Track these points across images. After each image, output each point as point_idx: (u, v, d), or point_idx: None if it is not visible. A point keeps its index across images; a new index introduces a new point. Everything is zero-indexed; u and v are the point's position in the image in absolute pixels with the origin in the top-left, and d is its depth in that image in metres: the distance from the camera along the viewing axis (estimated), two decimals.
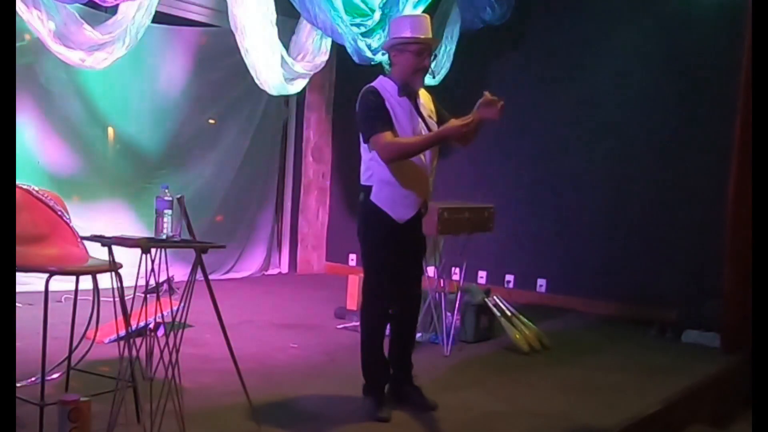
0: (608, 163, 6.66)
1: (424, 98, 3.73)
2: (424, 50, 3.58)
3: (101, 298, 3.47)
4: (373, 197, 3.58)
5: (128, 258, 3.16)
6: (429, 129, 3.62)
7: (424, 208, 3.72)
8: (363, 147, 3.64)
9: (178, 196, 3.19)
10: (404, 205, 3.59)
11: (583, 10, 6.77)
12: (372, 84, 3.66)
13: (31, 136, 6.05)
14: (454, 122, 3.47)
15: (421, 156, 3.59)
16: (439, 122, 3.67)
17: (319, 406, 3.72)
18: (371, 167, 3.59)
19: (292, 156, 8.23)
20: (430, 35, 3.63)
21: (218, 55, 7.05)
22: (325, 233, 8.43)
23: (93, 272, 3.29)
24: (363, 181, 3.65)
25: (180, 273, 5.72)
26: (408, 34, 3.56)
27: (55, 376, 3.54)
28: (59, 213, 3.38)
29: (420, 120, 3.62)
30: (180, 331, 3.05)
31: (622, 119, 6.58)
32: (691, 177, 6.20)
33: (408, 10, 6.03)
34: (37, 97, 6.07)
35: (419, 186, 3.61)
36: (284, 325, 5.52)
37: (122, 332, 3.36)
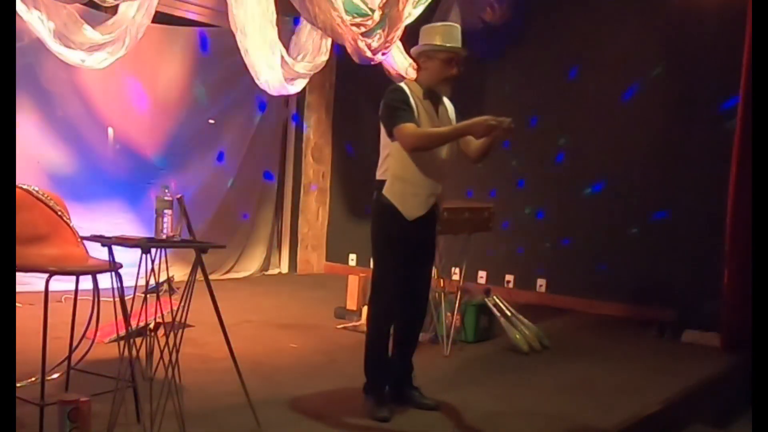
0: (608, 163, 6.65)
1: (448, 107, 3.79)
2: (453, 59, 3.63)
3: (101, 298, 3.47)
4: (385, 191, 3.62)
5: (128, 258, 3.16)
6: None
7: (437, 210, 3.75)
8: (382, 143, 3.67)
9: (178, 196, 3.20)
10: (414, 203, 3.61)
11: (583, 10, 6.77)
12: (398, 83, 3.75)
13: (31, 136, 6.05)
14: (482, 117, 3.47)
15: (436, 155, 3.61)
16: None
17: (319, 406, 3.72)
18: (387, 162, 3.64)
19: (292, 156, 8.23)
20: (459, 45, 3.67)
21: (218, 55, 7.06)
22: (325, 233, 8.44)
23: (93, 272, 3.29)
24: (378, 176, 3.68)
25: (180, 273, 5.72)
26: (438, 42, 3.62)
27: (55, 376, 3.54)
28: (59, 213, 3.38)
29: (440, 124, 3.67)
30: (180, 331, 3.05)
31: (622, 119, 6.58)
32: (690, 177, 6.20)
33: (408, 10, 6.03)
34: (37, 97, 6.07)
35: (431, 185, 3.64)
36: (284, 325, 5.52)
37: (122, 332, 3.36)
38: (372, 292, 3.77)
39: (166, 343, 3.06)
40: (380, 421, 3.53)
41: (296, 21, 6.59)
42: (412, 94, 3.62)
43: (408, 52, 6.56)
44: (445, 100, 3.77)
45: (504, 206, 6.71)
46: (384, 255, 3.68)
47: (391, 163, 3.62)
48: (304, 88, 7.16)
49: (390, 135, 3.58)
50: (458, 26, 3.76)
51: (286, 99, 7.82)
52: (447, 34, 3.65)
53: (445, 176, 3.72)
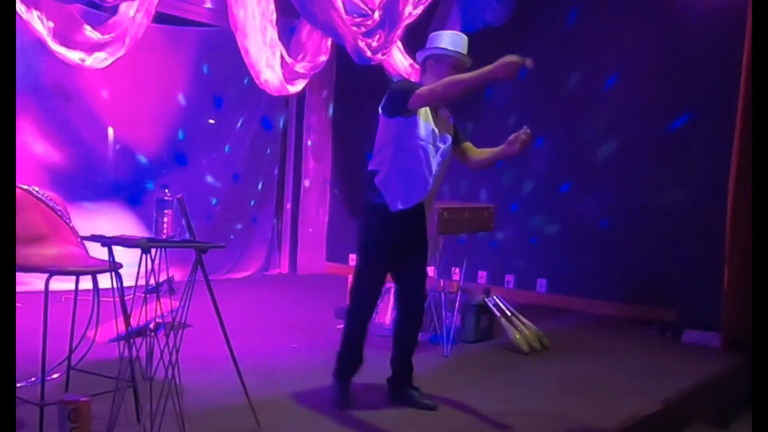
0: (608, 163, 6.66)
1: (447, 113, 3.84)
2: (459, 65, 3.70)
3: (101, 298, 3.47)
4: (376, 180, 3.66)
5: (128, 258, 3.16)
6: (443, 140, 3.71)
7: (426, 207, 3.76)
8: (379, 135, 3.71)
9: (178, 196, 3.19)
10: (401, 195, 3.64)
11: (583, 10, 6.77)
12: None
13: (31, 136, 6.05)
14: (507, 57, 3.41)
15: (429, 153, 3.63)
16: (455, 140, 3.80)
17: (319, 406, 3.72)
18: (382, 155, 3.67)
19: (292, 156, 8.23)
20: (466, 53, 3.75)
21: (218, 55, 7.06)
22: (325, 233, 8.43)
23: (93, 272, 3.29)
24: (370, 166, 3.72)
25: (180, 273, 5.72)
26: (449, 47, 3.70)
27: (55, 376, 3.54)
28: (59, 213, 3.38)
29: (439, 128, 3.69)
30: (180, 331, 3.05)
31: (622, 119, 6.58)
32: (691, 177, 6.20)
33: (408, 10, 6.04)
34: (37, 97, 6.07)
35: (422, 180, 3.65)
36: (284, 325, 5.52)
37: (122, 332, 3.37)
38: (353, 284, 3.84)
39: (166, 343, 3.06)
40: (339, 408, 3.65)
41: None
42: None
43: (408, 52, 6.59)
44: (445, 108, 3.82)
45: (504, 206, 6.72)
46: (366, 247, 3.76)
47: (386, 155, 3.66)
48: (304, 88, 7.16)
49: (404, 111, 3.55)
50: (466, 37, 3.83)
51: (286, 99, 7.82)
52: (456, 41, 3.75)
53: (437, 174, 3.71)
